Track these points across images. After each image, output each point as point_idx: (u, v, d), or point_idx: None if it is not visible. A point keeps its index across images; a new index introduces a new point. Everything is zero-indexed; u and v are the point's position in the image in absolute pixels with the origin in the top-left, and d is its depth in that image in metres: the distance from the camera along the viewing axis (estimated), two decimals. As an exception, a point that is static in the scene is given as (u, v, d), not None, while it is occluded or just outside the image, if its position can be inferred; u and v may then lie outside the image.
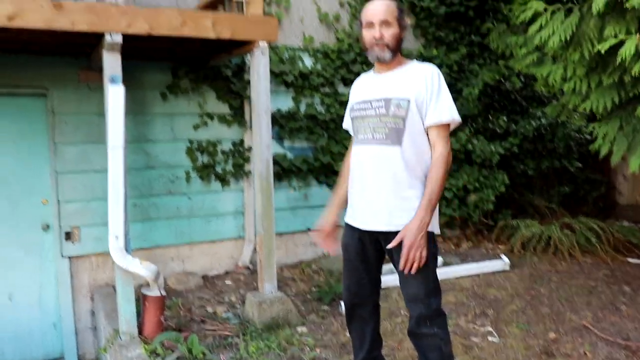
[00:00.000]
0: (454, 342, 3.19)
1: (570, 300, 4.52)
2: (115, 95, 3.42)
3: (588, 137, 7.26)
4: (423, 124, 2.46)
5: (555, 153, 7.13)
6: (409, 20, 2.57)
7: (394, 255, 2.50)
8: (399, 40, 2.52)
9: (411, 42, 6.25)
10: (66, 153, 4.56)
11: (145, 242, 4.92)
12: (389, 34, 2.47)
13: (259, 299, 4.04)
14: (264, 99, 3.95)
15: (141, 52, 4.50)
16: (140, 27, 3.47)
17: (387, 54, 2.50)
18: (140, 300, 3.81)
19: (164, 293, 3.80)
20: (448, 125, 2.49)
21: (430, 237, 2.43)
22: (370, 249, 2.62)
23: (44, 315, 4.65)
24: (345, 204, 2.75)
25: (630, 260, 5.71)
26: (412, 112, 2.43)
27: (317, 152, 5.56)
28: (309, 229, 5.66)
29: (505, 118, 6.67)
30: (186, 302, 4.54)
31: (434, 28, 6.30)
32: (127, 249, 3.56)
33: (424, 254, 2.35)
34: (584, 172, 7.57)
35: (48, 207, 4.59)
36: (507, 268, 5.42)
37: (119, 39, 3.41)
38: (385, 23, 2.47)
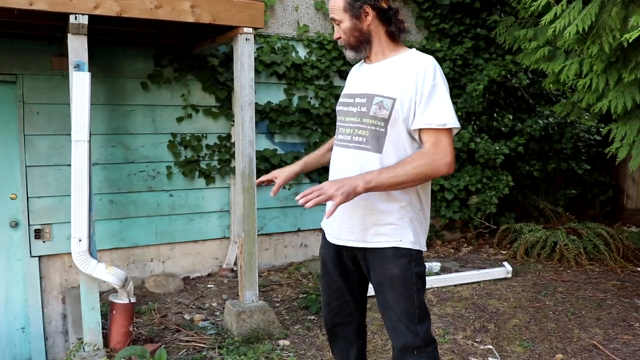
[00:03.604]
0: (449, 366, 2.86)
1: (578, 314, 4.18)
2: (80, 83, 3.09)
3: (598, 138, 6.91)
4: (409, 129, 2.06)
5: (563, 154, 6.79)
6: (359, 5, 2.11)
7: (370, 274, 2.20)
8: (358, 32, 2.12)
9: (414, 35, 5.90)
10: (37, 145, 4.24)
11: (122, 241, 4.61)
12: (342, 31, 2.15)
13: (239, 308, 3.71)
14: (247, 90, 3.60)
15: (120, 38, 4.17)
16: (109, 8, 3.13)
17: (348, 53, 2.20)
18: (108, 307, 3.50)
19: (133, 300, 3.47)
20: (445, 131, 2.01)
21: (414, 255, 2.12)
22: (348, 263, 2.30)
23: (11, 318, 4.33)
24: (309, 169, 2.52)
25: (642, 269, 5.39)
26: (397, 115, 2.02)
27: (309, 148, 5.22)
28: (299, 230, 5.34)
29: (510, 116, 6.33)
30: (163, 307, 4.22)
31: (438, 19, 5.95)
32: (92, 252, 3.23)
33: (322, 198, 1.91)
34: (591, 174, 7.24)
35: (16, 202, 4.27)
36: (509, 276, 5.09)
37: (84, 20, 3.07)
38: (335, 21, 2.16)
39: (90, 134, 3.17)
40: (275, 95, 5.11)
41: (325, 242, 2.34)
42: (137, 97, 4.57)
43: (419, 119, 2.01)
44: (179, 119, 4.72)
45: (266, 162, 5.02)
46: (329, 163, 2.34)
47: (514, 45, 5.18)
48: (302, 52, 5.22)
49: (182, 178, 4.78)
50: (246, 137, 3.64)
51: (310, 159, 2.52)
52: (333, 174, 2.22)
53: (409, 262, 2.10)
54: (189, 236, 4.88)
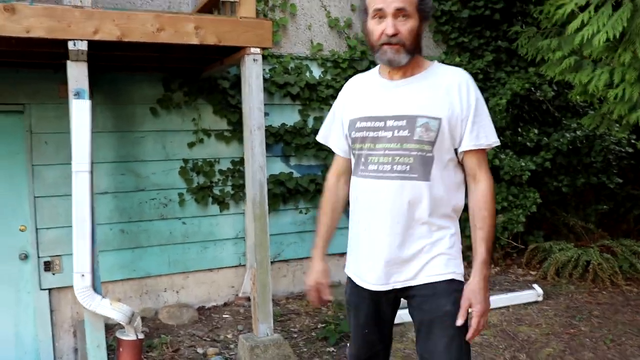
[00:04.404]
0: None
1: (618, 341, 3.90)
2: (79, 111, 2.97)
3: (630, 150, 6.61)
4: (454, 150, 1.88)
5: (592, 168, 6.49)
6: (431, 7, 1.89)
7: (416, 313, 1.94)
8: (419, 37, 1.86)
9: (432, 49, 5.71)
10: (45, 175, 4.14)
11: (134, 271, 4.46)
12: (407, 29, 1.80)
13: (252, 342, 3.52)
14: (256, 113, 3.45)
15: (126, 63, 4.07)
16: (109, 33, 3.02)
17: (403, 57, 1.83)
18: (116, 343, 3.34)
19: (141, 336, 3.31)
20: (485, 150, 1.91)
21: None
22: (387, 309, 2.02)
23: (21, 353, 4.20)
24: (327, 243, 2.19)
25: (682, 289, 5.06)
26: (443, 136, 1.82)
27: (326, 170, 5.03)
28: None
29: (536, 130, 6.07)
30: (175, 340, 4.04)
31: (457, 33, 5.76)
32: (96, 288, 3.09)
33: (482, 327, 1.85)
34: (624, 188, 6.91)
35: (26, 234, 4.16)
36: (540, 299, 4.81)
37: (83, 46, 2.96)
38: (401, 13, 1.79)
39: (92, 164, 3.05)
40: (290, 117, 4.96)
41: (356, 290, 2.03)
42: (146, 123, 4.46)
43: (469, 140, 1.85)
44: (191, 144, 4.59)
45: (282, 186, 4.85)
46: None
47: (537, 56, 4.96)
48: (317, 72, 5.07)
49: (194, 205, 4.63)
50: (256, 163, 3.48)
51: (328, 229, 2.18)
52: (367, 210, 1.93)
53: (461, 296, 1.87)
54: (203, 264, 4.72)
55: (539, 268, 5.66)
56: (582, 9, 3.64)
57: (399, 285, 1.91)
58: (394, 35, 1.80)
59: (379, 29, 1.82)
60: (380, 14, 1.81)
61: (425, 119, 1.81)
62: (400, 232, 1.86)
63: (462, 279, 1.89)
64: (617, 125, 4.92)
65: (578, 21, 3.54)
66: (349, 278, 2.09)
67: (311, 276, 2.14)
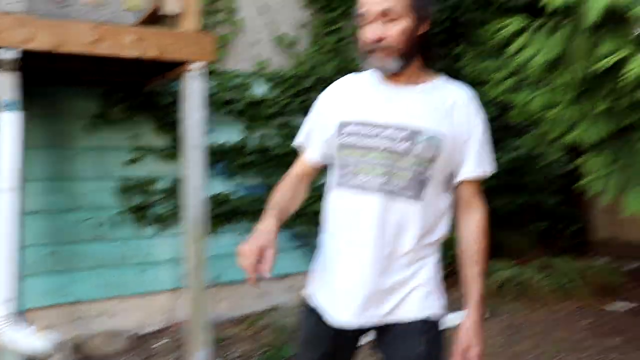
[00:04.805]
0: None
1: (557, 357, 3.95)
2: (9, 124, 2.77)
3: (565, 170, 6.83)
4: (450, 174, 1.73)
5: (531, 187, 6.68)
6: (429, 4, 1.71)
7: (387, 354, 1.74)
8: (415, 39, 1.65)
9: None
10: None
11: (64, 296, 4.20)
12: (396, 31, 1.61)
13: (190, 372, 3.36)
14: (196, 132, 3.33)
15: (63, 75, 3.86)
16: (43, 42, 2.84)
17: (393, 62, 1.64)
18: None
19: (71, 368, 3.09)
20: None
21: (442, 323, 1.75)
22: (351, 344, 1.81)
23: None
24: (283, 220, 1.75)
25: (617, 303, 5.22)
26: (444, 156, 1.66)
27: (270, 190, 4.92)
28: (258, 277, 5.00)
29: (478, 150, 6.18)
30: (108, 370, 3.82)
31: (402, 52, 5.81)
32: (19, 315, 2.86)
33: None
34: (560, 206, 7.15)
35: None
36: (486, 316, 4.85)
37: (15, 55, 2.77)
38: (387, 15, 1.60)
39: (23, 182, 2.84)
40: (233, 135, 4.84)
41: (315, 326, 1.79)
42: (82, 139, 4.24)
43: (472, 166, 1.70)
44: (128, 162, 4.39)
45: (223, 206, 4.72)
46: (296, 208, 1.86)
47: (480, 76, 5.07)
48: (261, 89, 4.98)
49: (131, 226, 4.43)
50: (195, 183, 3.35)
51: (282, 207, 1.77)
52: (351, 230, 1.70)
53: (439, 333, 1.72)
54: (139, 288, 4.50)
55: (481, 286, 5.72)
56: (522, 30, 3.73)
57: (374, 320, 1.69)
58: (378, 40, 1.62)
59: (363, 35, 1.66)
60: (364, 19, 1.64)
61: (430, 134, 1.63)
62: (385, 256, 1.65)
63: (440, 313, 1.74)
64: (554, 145, 5.06)
65: (518, 43, 3.62)
66: (310, 308, 1.82)
67: (256, 236, 1.61)
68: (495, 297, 5.39)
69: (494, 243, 6.05)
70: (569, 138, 3.79)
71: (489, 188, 5.88)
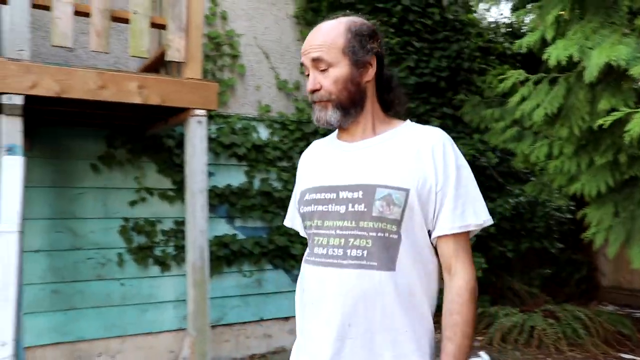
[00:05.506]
0: None
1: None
2: (11, 168, 2.83)
3: (569, 216, 6.82)
4: (428, 232, 1.48)
5: (535, 233, 6.65)
6: (376, 46, 1.52)
7: None
8: (355, 86, 1.49)
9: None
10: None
11: (66, 335, 4.20)
12: (330, 80, 1.47)
13: (187, 417, 3.33)
14: (199, 176, 3.38)
15: (68, 117, 3.95)
16: (47, 88, 2.92)
17: (331, 115, 1.49)
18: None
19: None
20: (468, 233, 1.48)
21: None
22: None
23: None
24: None
25: (624, 356, 5.11)
26: (412, 213, 1.43)
27: (272, 233, 4.97)
28: (262, 319, 4.99)
29: (481, 196, 6.20)
30: (106, 413, 3.79)
31: (404, 99, 5.89)
32: (19, 357, 2.87)
33: None
34: (565, 252, 7.10)
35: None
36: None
37: (19, 101, 2.85)
38: (320, 63, 1.47)
39: (22, 223, 2.89)
40: (236, 178, 4.90)
41: None
42: (86, 179, 4.31)
43: (449, 219, 1.44)
44: (132, 203, 4.45)
45: (226, 249, 4.74)
46: None
47: (481, 124, 5.12)
48: (264, 133, 5.07)
49: (134, 266, 4.45)
50: (198, 227, 3.38)
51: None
52: (312, 308, 1.51)
53: None
54: (142, 328, 4.49)
55: (485, 333, 5.65)
56: (522, 82, 3.78)
57: None
58: (316, 90, 1.49)
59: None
60: (305, 69, 1.52)
61: (387, 189, 1.41)
62: (351, 336, 1.43)
63: None
64: (557, 193, 5.07)
65: (519, 95, 3.67)
66: None
67: None
68: (499, 344, 5.32)
69: (498, 288, 6.02)
70: (571, 189, 3.81)
71: (491, 234, 5.94)
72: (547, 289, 6.75)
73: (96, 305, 4.33)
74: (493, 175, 6.47)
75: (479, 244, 6.00)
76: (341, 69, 1.47)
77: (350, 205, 1.45)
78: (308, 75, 1.52)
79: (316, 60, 1.47)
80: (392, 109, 1.59)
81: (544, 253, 6.93)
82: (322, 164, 1.60)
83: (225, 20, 4.96)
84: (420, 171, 1.44)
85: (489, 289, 6.39)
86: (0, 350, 2.81)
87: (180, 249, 4.60)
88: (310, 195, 1.55)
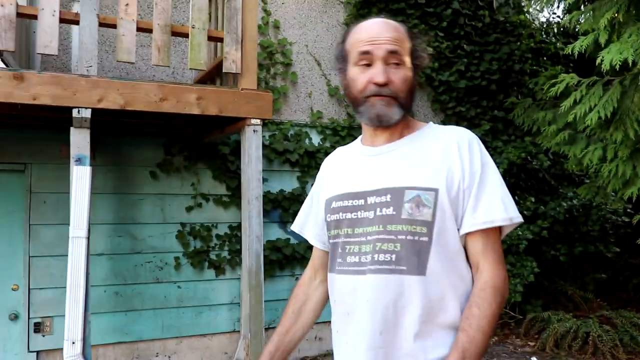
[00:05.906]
0: None
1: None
2: (80, 178, 3.00)
3: (626, 219, 6.63)
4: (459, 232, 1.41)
5: (590, 237, 6.50)
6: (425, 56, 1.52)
7: None
8: (414, 91, 1.47)
9: (430, 118, 5.82)
10: (42, 235, 4.14)
11: (126, 335, 4.40)
12: (400, 78, 1.41)
13: (243, 416, 3.44)
14: (254, 184, 3.48)
15: (129, 127, 4.13)
16: (113, 102, 3.09)
17: (395, 113, 1.42)
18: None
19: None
20: (498, 230, 1.42)
21: None
22: None
23: (6, 420, 4.09)
24: (283, 354, 1.65)
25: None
26: (444, 214, 1.37)
27: (323, 236, 5.05)
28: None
29: (533, 199, 6.11)
30: (165, 410, 3.94)
31: (454, 102, 5.89)
32: (86, 355, 3.03)
33: None
34: (622, 256, 6.89)
35: (18, 294, 4.12)
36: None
37: (87, 114, 3.02)
38: (395, 57, 1.41)
39: (89, 230, 3.05)
40: (288, 183, 5.01)
41: None
42: (146, 186, 4.49)
43: (472, 216, 1.38)
44: (189, 208, 4.61)
45: (278, 253, 4.85)
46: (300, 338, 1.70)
47: (532, 127, 5.06)
48: (316, 139, 5.15)
49: (190, 269, 4.61)
50: (253, 233, 3.49)
51: (279, 344, 1.67)
52: (344, 316, 1.46)
53: None
54: (197, 330, 4.65)
55: (538, 338, 5.57)
56: (576, 84, 3.74)
57: None
58: (385, 84, 1.40)
59: (364, 77, 1.42)
60: (367, 59, 1.43)
61: (416, 191, 1.37)
62: (382, 345, 1.37)
63: None
64: (613, 196, 4.96)
65: (571, 99, 3.63)
66: None
67: None
68: (552, 350, 5.24)
69: (551, 293, 5.92)
70: (627, 193, 3.74)
71: (543, 238, 5.84)
72: (602, 294, 6.58)
73: (154, 307, 4.50)
74: (545, 178, 6.37)
75: (531, 248, 5.93)
76: (407, 70, 1.44)
77: (378, 209, 1.40)
78: (367, 64, 1.43)
79: (392, 54, 1.41)
80: (411, 112, 1.54)
81: (599, 257, 6.75)
82: (347, 171, 1.55)
83: (277, 29, 5.08)
84: (447, 169, 1.39)
85: (541, 294, 6.29)
86: (71, 348, 2.98)
87: (235, 253, 4.73)
88: (337, 203, 1.50)
